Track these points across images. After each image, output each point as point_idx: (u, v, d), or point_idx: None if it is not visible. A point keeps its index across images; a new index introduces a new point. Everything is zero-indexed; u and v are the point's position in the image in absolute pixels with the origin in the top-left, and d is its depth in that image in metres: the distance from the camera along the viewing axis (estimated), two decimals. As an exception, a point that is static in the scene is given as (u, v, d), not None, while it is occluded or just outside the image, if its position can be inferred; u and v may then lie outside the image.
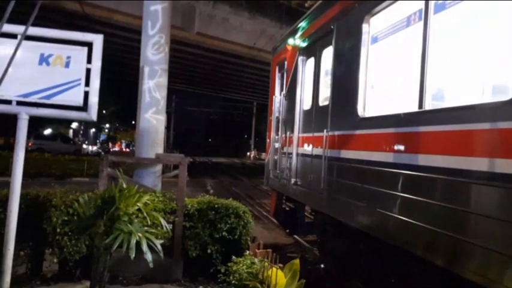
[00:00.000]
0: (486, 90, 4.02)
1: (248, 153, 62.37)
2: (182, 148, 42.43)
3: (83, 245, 4.45)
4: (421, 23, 3.78)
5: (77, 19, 19.15)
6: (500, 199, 2.77)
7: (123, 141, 65.99)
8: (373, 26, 4.74)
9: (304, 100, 6.96)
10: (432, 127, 3.44)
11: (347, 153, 4.97)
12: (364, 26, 4.72)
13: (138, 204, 3.93)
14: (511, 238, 2.61)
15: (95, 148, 50.23)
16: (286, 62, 7.84)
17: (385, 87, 4.98)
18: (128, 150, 55.20)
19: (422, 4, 3.79)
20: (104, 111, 48.59)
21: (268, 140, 8.88)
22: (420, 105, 3.66)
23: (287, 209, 8.10)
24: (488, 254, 2.76)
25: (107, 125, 62.64)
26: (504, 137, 2.74)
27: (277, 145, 8.01)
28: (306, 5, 22.16)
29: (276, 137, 8.10)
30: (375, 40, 4.81)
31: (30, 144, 31.74)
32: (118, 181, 4.21)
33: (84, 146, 45.27)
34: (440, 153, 3.29)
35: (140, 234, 3.64)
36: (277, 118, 8.05)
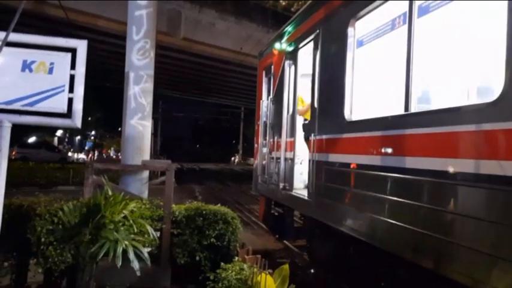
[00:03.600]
0: (471, 92, 4.06)
1: (232, 158, 61.82)
2: (170, 154, 42.15)
3: (68, 254, 4.34)
4: (406, 26, 3.81)
5: (61, 25, 18.95)
6: (487, 200, 2.79)
7: (112, 149, 65.09)
8: (359, 29, 4.76)
9: (291, 104, 6.96)
10: (417, 130, 3.46)
11: (334, 157, 4.97)
12: (350, 30, 4.74)
13: (124, 211, 3.86)
14: (498, 239, 2.62)
15: (81, 156, 49.43)
16: (272, 67, 7.84)
17: (371, 90, 5.00)
18: (116, 157, 54.57)
19: (406, 8, 3.82)
20: (90, 118, 48.06)
21: (256, 145, 8.85)
22: (406, 108, 3.68)
23: (276, 214, 8.07)
24: (477, 256, 2.76)
25: (93, 132, 61.90)
26: (489, 138, 2.76)
27: (265, 150, 7.99)
28: (293, 9, 22.29)
29: (264, 141, 8.08)
30: (360, 44, 4.83)
31: (14, 153, 31.23)
32: (104, 189, 4.14)
33: (70, 153, 44.60)
34: (427, 155, 3.30)
35: (127, 242, 3.58)
36: (265, 123, 8.03)
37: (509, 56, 2.65)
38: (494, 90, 3.05)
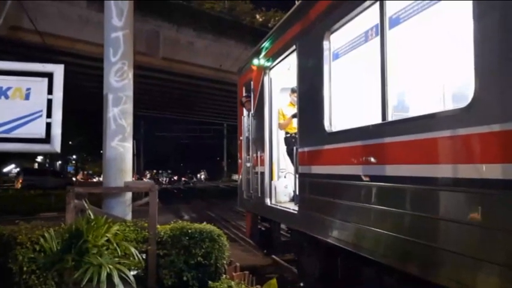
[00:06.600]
0: (447, 98, 4.16)
1: (198, 175, 61.85)
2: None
3: (51, 282, 4.26)
4: (378, 38, 3.90)
5: (38, 51, 18.79)
6: (466, 204, 2.84)
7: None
8: (334, 42, 4.85)
9: (272, 119, 7.01)
10: (394, 138, 3.51)
11: (317, 169, 5.00)
12: (325, 43, 4.82)
13: (107, 235, 3.81)
14: (480, 241, 2.67)
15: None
16: (252, 82, 7.89)
17: (349, 101, 5.08)
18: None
19: (378, 20, 3.90)
20: (70, 142, 47.29)
21: (239, 161, 8.84)
22: (383, 117, 3.74)
23: (263, 229, 8.04)
24: (463, 260, 2.79)
25: (74, 156, 60.76)
26: (463, 142, 2.82)
27: (248, 165, 7.99)
28: (270, 24, 22.56)
29: (247, 157, 8.08)
30: (336, 56, 4.92)
31: (20, 180, 30.83)
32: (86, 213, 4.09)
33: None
34: (406, 162, 3.35)
35: (111, 266, 3.52)
36: (247, 138, 8.05)
37: (477, 63, 2.74)
38: (467, 96, 3.14)
